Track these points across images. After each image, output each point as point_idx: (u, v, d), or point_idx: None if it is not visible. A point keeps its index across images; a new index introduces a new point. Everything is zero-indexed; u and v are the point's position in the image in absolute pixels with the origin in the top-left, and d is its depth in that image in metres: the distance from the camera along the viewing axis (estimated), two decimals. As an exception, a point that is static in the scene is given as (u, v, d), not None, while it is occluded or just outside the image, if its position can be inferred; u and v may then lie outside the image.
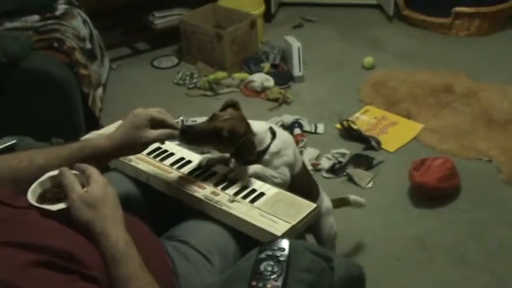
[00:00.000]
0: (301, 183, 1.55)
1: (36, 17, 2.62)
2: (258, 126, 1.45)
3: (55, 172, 1.05)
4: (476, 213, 2.19)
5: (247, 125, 1.41)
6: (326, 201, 1.75)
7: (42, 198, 1.03)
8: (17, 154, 1.15)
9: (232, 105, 1.44)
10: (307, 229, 1.57)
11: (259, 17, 3.51)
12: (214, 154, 1.49)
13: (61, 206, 1.00)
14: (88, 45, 2.80)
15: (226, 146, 1.39)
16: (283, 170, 1.48)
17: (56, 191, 1.03)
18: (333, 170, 2.45)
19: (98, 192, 1.01)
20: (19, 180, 1.07)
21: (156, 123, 1.25)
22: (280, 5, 4.14)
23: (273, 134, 1.48)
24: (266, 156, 1.45)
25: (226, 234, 1.26)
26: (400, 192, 2.31)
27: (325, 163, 2.49)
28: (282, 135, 1.51)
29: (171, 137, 1.30)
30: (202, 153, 2.32)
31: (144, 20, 3.59)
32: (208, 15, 3.53)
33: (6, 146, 1.49)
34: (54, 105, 2.36)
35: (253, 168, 1.42)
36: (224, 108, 1.44)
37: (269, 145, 1.45)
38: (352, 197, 1.94)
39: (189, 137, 1.34)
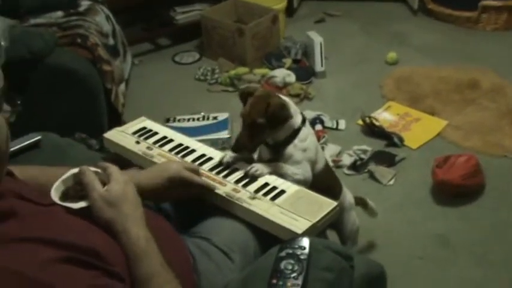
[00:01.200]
0: (323, 181, 1.55)
1: (60, 13, 2.65)
2: (291, 103, 1.48)
3: (77, 169, 1.07)
4: (500, 212, 2.15)
5: (270, 96, 1.45)
6: (348, 197, 1.75)
7: (65, 195, 1.04)
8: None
9: (248, 94, 1.46)
10: (330, 224, 1.56)
11: (281, 12, 3.49)
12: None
13: (82, 204, 1.02)
14: (111, 41, 2.82)
15: (273, 127, 1.42)
16: (305, 166, 1.47)
17: (79, 188, 1.05)
18: (354, 167, 2.44)
19: (118, 191, 1.02)
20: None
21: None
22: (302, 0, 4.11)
23: (303, 120, 1.49)
24: (295, 141, 1.46)
25: (246, 232, 1.26)
26: (422, 189, 2.28)
27: (347, 160, 2.47)
28: (309, 128, 1.52)
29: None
30: (222, 149, 2.34)
31: (166, 15, 3.61)
32: (230, 10, 3.53)
33: (31, 142, 1.51)
34: (78, 101, 2.39)
35: (274, 165, 1.42)
36: (244, 102, 1.46)
37: (299, 128, 1.46)
38: (370, 203, 1.93)
39: (245, 150, 1.43)
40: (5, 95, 0.87)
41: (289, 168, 1.44)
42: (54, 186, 1.04)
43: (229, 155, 1.44)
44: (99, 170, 1.07)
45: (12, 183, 0.97)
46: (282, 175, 1.41)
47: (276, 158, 1.48)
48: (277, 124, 1.43)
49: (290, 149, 1.46)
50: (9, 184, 0.95)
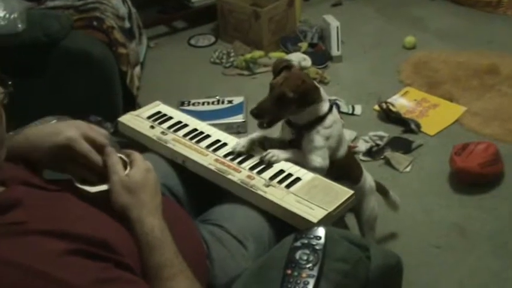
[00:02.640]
0: (345, 166, 1.55)
1: (76, -4, 2.64)
2: (322, 90, 1.46)
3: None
4: (520, 201, 2.12)
5: (305, 76, 1.43)
6: (369, 180, 1.72)
7: (82, 179, 1.03)
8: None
9: (284, 67, 1.44)
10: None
11: (297, -5, 3.44)
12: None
13: (100, 188, 1.00)
14: (127, 24, 2.81)
15: (300, 106, 1.40)
16: (324, 153, 1.46)
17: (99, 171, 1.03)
18: (370, 153, 2.41)
19: (138, 178, 1.01)
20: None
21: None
22: (319, -17, 4.05)
23: (330, 107, 1.47)
24: (319, 127, 1.44)
25: (261, 219, 1.24)
26: (439, 177, 2.25)
27: (362, 145, 2.45)
28: (336, 115, 1.50)
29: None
30: (237, 133, 2.33)
31: (182, -2, 3.58)
32: (246, -7, 3.49)
33: (46, 126, 1.51)
34: (93, 84, 2.39)
35: (291, 152, 1.40)
36: (277, 73, 1.44)
37: (325, 116, 1.45)
38: (393, 195, 1.88)
39: (263, 119, 1.39)
40: None
41: (306, 156, 1.42)
42: None
43: (241, 144, 1.42)
44: (123, 156, 1.06)
45: (14, 169, 0.95)
46: (298, 162, 1.39)
47: (298, 139, 1.46)
48: (305, 103, 1.40)
49: (313, 134, 1.45)
50: (12, 171, 0.93)
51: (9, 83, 0.87)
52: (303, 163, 1.40)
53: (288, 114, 1.44)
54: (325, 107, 1.46)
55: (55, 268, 0.78)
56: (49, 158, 1.01)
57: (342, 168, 1.53)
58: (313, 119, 1.45)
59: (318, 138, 1.45)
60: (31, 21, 2.19)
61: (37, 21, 2.22)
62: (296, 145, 1.47)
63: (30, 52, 2.22)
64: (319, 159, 1.44)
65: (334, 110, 1.50)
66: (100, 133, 1.05)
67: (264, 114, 1.41)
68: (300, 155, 1.43)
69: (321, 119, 1.45)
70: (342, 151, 1.54)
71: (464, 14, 3.53)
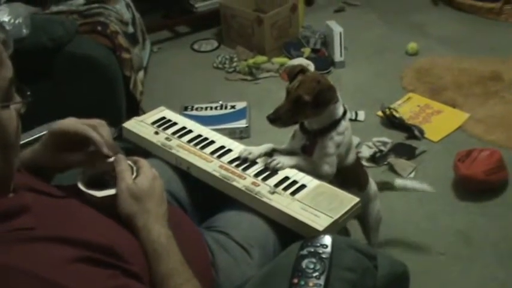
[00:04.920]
0: (353, 173, 1.55)
1: (81, 1, 2.64)
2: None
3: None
4: (525, 209, 2.11)
5: (321, 77, 1.44)
6: (373, 185, 1.73)
7: (91, 181, 1.03)
8: None
9: (300, 71, 1.45)
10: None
11: (300, 1, 3.44)
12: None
13: (106, 193, 1.00)
14: (130, 29, 2.81)
15: (316, 108, 1.40)
16: (333, 160, 1.46)
17: (107, 175, 1.03)
18: (374, 159, 2.40)
19: (145, 185, 1.00)
20: None
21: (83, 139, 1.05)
22: (322, -12, 4.05)
23: (344, 112, 1.47)
24: (333, 133, 1.44)
25: (266, 227, 1.24)
26: (443, 184, 2.24)
27: (366, 151, 2.44)
28: (348, 122, 1.50)
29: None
30: (240, 138, 2.31)
31: (185, 3, 3.58)
32: (249, -2, 3.50)
33: (50, 131, 1.50)
34: (97, 89, 2.39)
35: (295, 159, 1.40)
36: (293, 78, 1.45)
37: (339, 120, 1.45)
38: (398, 182, 1.86)
39: (279, 122, 1.39)
40: (15, 85, 0.84)
41: (315, 162, 1.43)
42: (82, 170, 1.03)
43: (249, 151, 1.41)
44: (130, 162, 1.05)
45: (21, 176, 0.94)
46: (303, 168, 1.38)
47: (311, 145, 1.46)
48: (321, 104, 1.40)
49: (327, 140, 1.44)
50: (20, 177, 0.93)
51: (28, 93, 0.87)
52: (308, 170, 1.39)
53: (305, 117, 1.44)
54: (340, 109, 1.46)
55: (62, 275, 0.78)
56: (51, 154, 1.03)
57: (350, 175, 1.53)
58: (328, 123, 1.44)
59: (331, 144, 1.45)
60: (36, 26, 2.19)
61: (42, 26, 2.22)
62: (309, 151, 1.46)
63: (34, 57, 2.21)
64: (327, 166, 1.44)
65: (347, 114, 1.50)
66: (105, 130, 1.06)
67: (280, 119, 1.41)
68: (305, 161, 1.42)
69: (336, 123, 1.45)
70: (351, 158, 1.54)
71: (467, 20, 3.53)
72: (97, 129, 1.05)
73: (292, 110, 1.40)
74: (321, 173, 1.41)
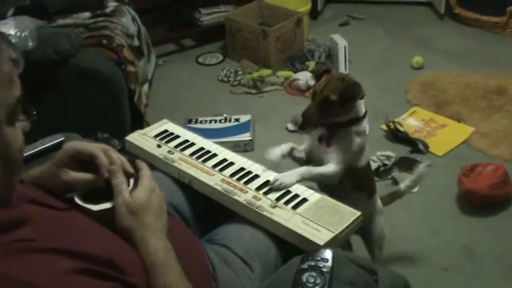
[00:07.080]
0: (363, 177, 1.57)
1: (87, 14, 2.68)
2: None
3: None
4: (529, 224, 2.09)
5: (345, 75, 1.47)
6: (378, 200, 1.73)
7: (88, 195, 1.03)
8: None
9: (324, 71, 1.47)
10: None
11: (305, 15, 3.47)
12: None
13: (102, 206, 1.00)
14: (136, 43, 2.84)
15: (344, 107, 1.41)
16: (343, 158, 1.46)
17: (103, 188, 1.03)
18: (378, 173, 2.40)
19: (142, 199, 1.00)
20: None
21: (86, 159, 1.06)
22: (326, 2, 4.08)
23: (365, 113, 1.49)
24: (353, 129, 1.45)
25: (267, 240, 1.23)
26: (447, 198, 2.23)
27: (370, 165, 2.44)
28: (367, 123, 1.51)
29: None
30: (244, 151, 2.29)
31: (191, 16, 3.61)
32: (254, 12, 3.52)
33: (54, 144, 1.52)
34: (102, 101, 2.41)
35: (297, 173, 1.39)
36: (318, 78, 1.47)
37: (361, 117, 1.46)
38: (404, 184, 1.83)
39: (310, 124, 1.42)
40: (22, 104, 0.85)
41: (316, 169, 1.44)
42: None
43: (276, 154, 1.46)
44: (132, 171, 1.05)
45: (23, 188, 0.95)
46: (307, 177, 1.40)
47: (329, 134, 1.47)
48: (349, 102, 1.42)
49: (346, 134, 1.46)
50: (21, 190, 0.93)
51: (34, 112, 0.88)
52: (311, 179, 1.40)
53: (334, 116, 1.44)
54: (362, 107, 1.48)
55: (61, 287, 0.78)
56: (63, 173, 1.03)
57: (362, 177, 1.55)
58: (350, 118, 1.46)
59: (349, 141, 1.46)
60: (42, 39, 2.22)
61: (48, 39, 2.25)
62: (327, 141, 1.47)
63: (40, 70, 2.23)
64: (333, 165, 1.45)
65: (366, 119, 1.51)
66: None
67: (310, 121, 1.42)
68: (309, 173, 1.42)
69: (358, 120, 1.47)
70: (363, 161, 1.55)
71: (472, 34, 3.54)
72: (108, 153, 1.05)
73: (320, 111, 1.41)
74: (325, 171, 1.42)
